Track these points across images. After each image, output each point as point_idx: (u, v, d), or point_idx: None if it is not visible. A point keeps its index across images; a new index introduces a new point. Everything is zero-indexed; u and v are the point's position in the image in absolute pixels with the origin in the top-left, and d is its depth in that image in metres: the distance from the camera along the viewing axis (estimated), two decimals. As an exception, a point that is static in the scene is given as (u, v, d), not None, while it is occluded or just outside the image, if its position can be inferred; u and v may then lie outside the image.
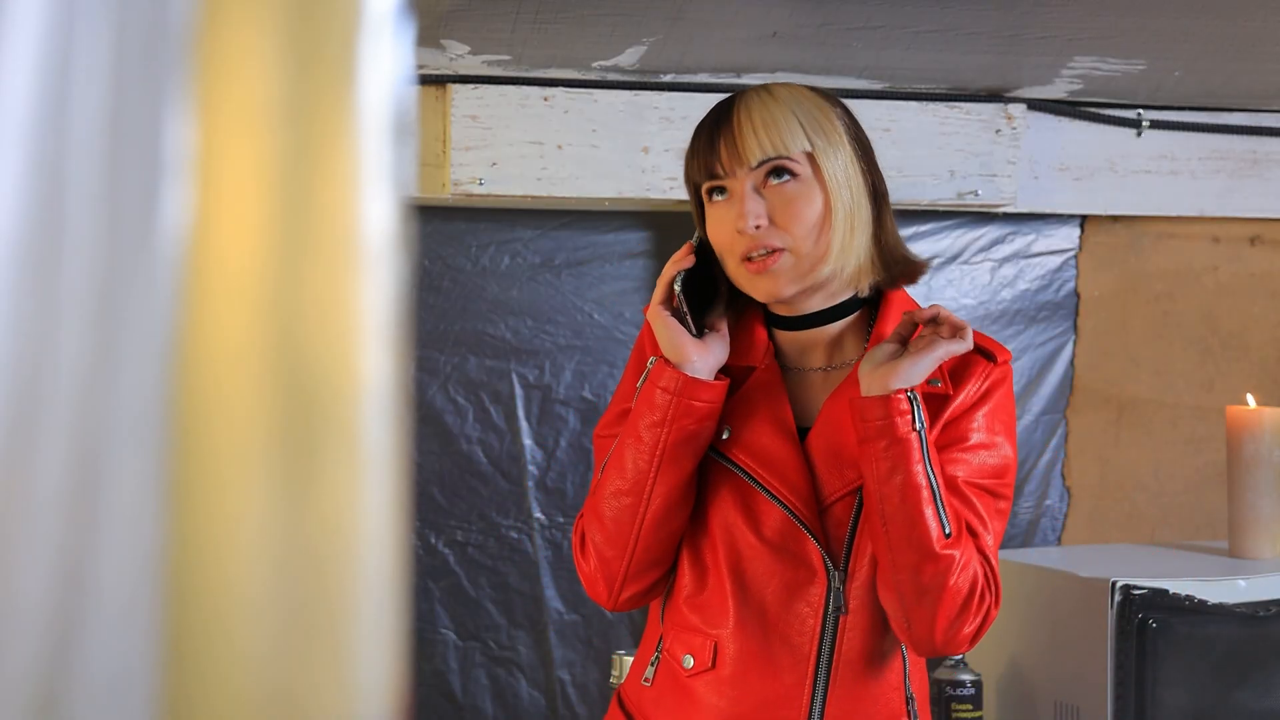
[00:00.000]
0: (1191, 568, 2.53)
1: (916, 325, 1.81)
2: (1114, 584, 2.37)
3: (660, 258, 2.90)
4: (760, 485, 1.81)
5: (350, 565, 0.61)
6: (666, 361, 1.80)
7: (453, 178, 2.65)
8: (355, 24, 0.62)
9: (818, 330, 1.88)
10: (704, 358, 1.80)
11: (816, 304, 1.86)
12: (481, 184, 2.66)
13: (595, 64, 2.67)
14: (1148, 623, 2.36)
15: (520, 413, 2.84)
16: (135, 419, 0.58)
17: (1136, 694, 2.36)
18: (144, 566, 0.58)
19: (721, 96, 2.71)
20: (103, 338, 0.57)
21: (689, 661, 1.84)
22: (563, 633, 2.85)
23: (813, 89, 1.88)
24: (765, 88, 1.85)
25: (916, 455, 1.74)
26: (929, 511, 1.74)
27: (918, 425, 1.74)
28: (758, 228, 1.77)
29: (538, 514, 2.85)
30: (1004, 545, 3.04)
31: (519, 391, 2.84)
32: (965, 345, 1.78)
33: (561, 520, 2.85)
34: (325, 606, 0.61)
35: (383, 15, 0.63)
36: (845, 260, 1.82)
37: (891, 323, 1.87)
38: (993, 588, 1.79)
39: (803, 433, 1.85)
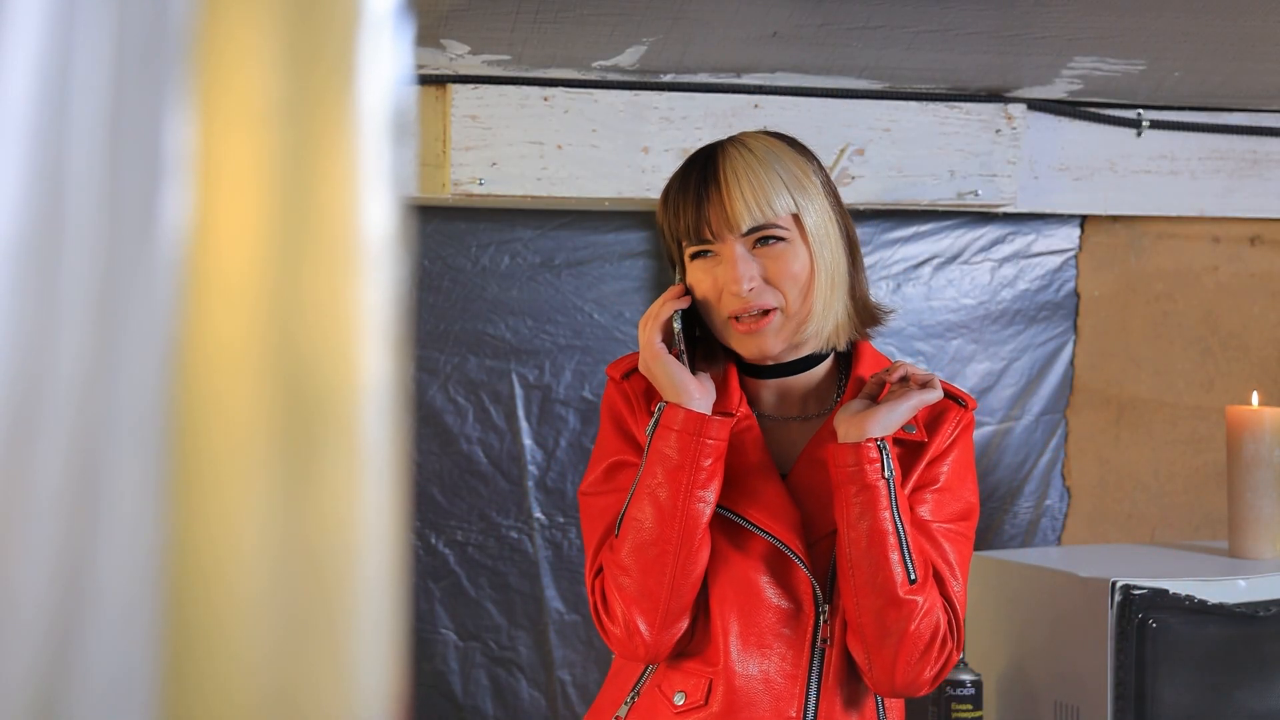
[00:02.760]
0: (1191, 568, 2.53)
1: (884, 384, 1.85)
2: (1114, 584, 2.37)
3: (660, 258, 2.90)
4: (750, 524, 1.84)
5: (349, 565, 0.61)
6: (681, 409, 1.80)
7: (453, 178, 2.65)
8: (355, 24, 0.62)
9: (791, 380, 1.92)
10: (706, 396, 1.83)
11: (788, 356, 1.90)
12: (481, 184, 2.66)
13: (595, 64, 2.67)
14: (1148, 623, 2.36)
15: (520, 413, 2.84)
16: (135, 419, 0.58)
17: (1136, 694, 2.36)
18: (143, 567, 0.58)
19: (721, 97, 2.73)
20: (103, 338, 0.57)
21: (680, 699, 1.85)
22: (563, 633, 2.85)
23: (785, 139, 1.90)
24: (744, 143, 1.85)
25: (884, 502, 1.78)
26: (894, 557, 1.77)
27: (886, 473, 1.78)
28: (751, 289, 1.80)
29: (538, 514, 2.85)
30: (1004, 545, 3.04)
31: (519, 391, 2.84)
32: (936, 394, 1.84)
33: (562, 520, 2.85)
34: (324, 607, 0.61)
35: (382, 15, 0.63)
36: (826, 320, 1.86)
37: (866, 367, 1.91)
38: (955, 634, 1.83)
39: (782, 478, 1.89)
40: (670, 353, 1.83)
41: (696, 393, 1.81)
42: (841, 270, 1.86)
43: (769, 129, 1.94)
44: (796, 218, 1.82)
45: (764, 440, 1.89)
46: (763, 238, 1.81)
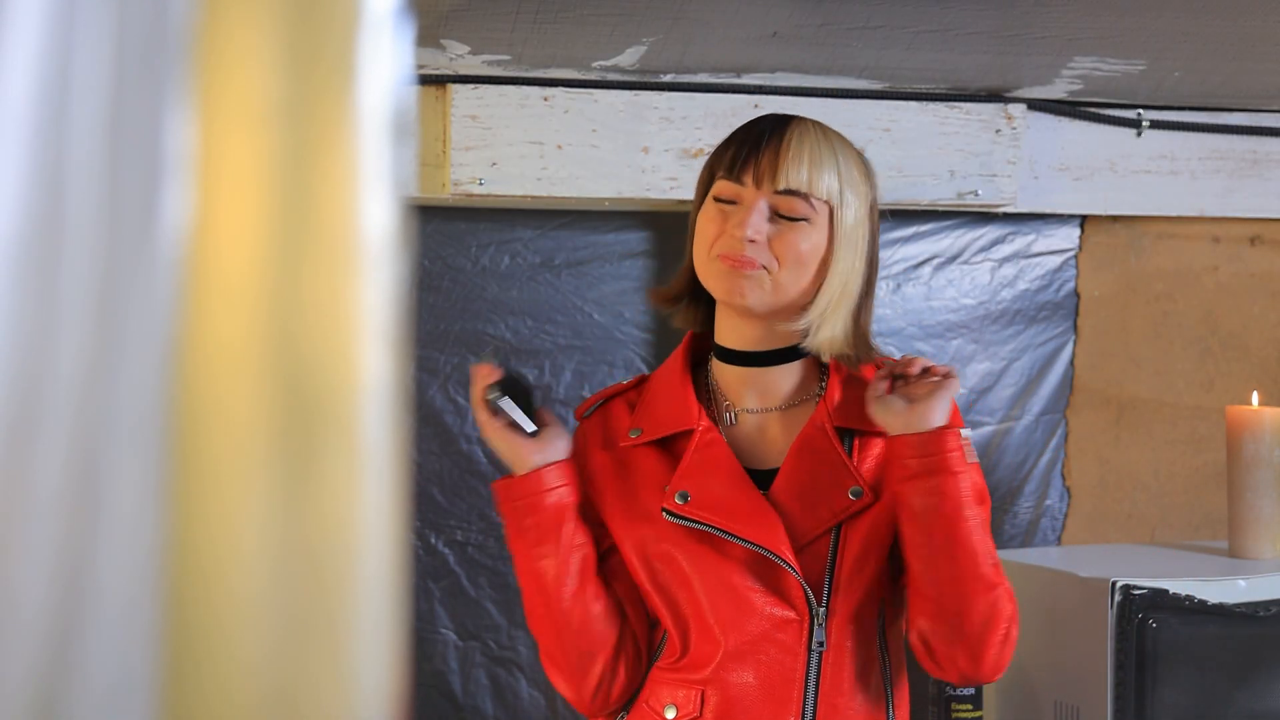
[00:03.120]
0: (1191, 568, 2.53)
1: (891, 376, 1.85)
2: (1114, 584, 2.37)
3: (660, 258, 2.90)
4: (734, 536, 1.83)
5: (349, 565, 0.61)
6: (501, 480, 1.87)
7: (453, 178, 2.65)
8: (355, 24, 0.62)
9: (772, 371, 1.90)
10: (545, 452, 1.86)
11: (769, 344, 1.88)
12: (481, 184, 2.66)
13: (595, 64, 2.67)
14: (1148, 623, 2.36)
15: (520, 413, 2.83)
16: (135, 419, 0.58)
17: (1136, 694, 2.36)
18: (143, 567, 0.58)
19: (721, 97, 2.73)
20: (103, 338, 0.57)
21: (671, 712, 1.85)
22: (563, 633, 2.85)
23: (857, 150, 1.90)
24: (822, 126, 1.87)
25: (972, 495, 1.79)
26: (977, 541, 1.79)
27: (970, 459, 1.80)
28: (753, 242, 1.80)
29: (538, 514, 2.84)
30: (1004, 545, 3.04)
31: (519, 391, 2.84)
32: (958, 385, 1.84)
33: (561, 520, 2.85)
34: (324, 607, 0.61)
35: (382, 15, 0.63)
36: (823, 321, 1.85)
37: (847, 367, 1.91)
38: (1015, 613, 1.84)
39: (770, 474, 1.88)
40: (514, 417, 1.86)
41: (534, 455, 1.85)
42: (855, 284, 1.86)
43: None
44: (832, 209, 1.82)
45: (731, 449, 1.87)
46: (787, 213, 1.81)
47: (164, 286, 0.59)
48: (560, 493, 1.85)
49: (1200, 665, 2.39)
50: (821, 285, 1.84)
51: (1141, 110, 3.01)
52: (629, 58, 2.65)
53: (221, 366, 0.60)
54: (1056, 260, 3.09)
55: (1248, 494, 2.62)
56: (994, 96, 2.88)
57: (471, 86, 2.66)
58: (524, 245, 2.85)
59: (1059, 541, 3.10)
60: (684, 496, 1.84)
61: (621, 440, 1.91)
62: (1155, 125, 3.02)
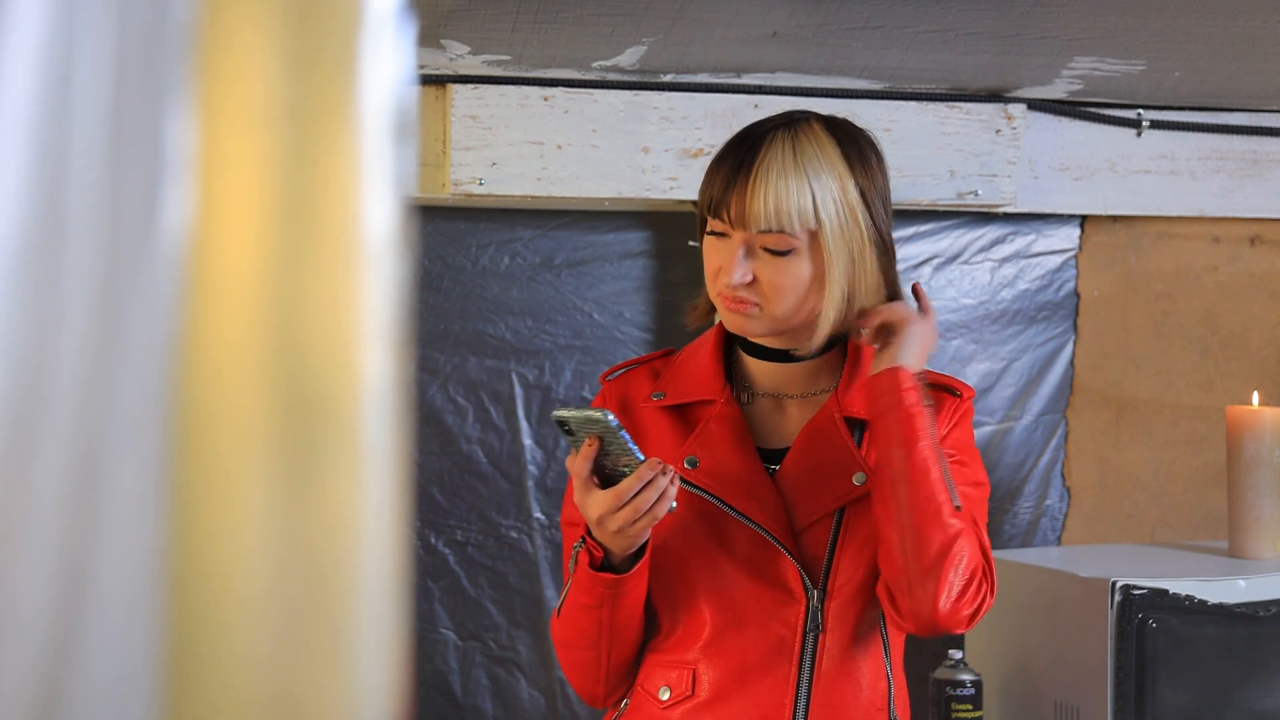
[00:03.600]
0: (1191, 568, 2.53)
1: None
2: (1114, 584, 2.37)
3: (660, 258, 2.90)
4: (733, 509, 1.84)
5: (350, 565, 0.61)
6: (595, 551, 1.79)
7: (453, 178, 2.65)
8: (355, 24, 0.62)
9: (785, 365, 1.92)
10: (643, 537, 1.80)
11: (781, 344, 1.91)
12: (481, 184, 2.66)
13: (595, 64, 2.67)
14: (1148, 623, 2.36)
15: (520, 413, 2.84)
16: (135, 419, 0.58)
17: (1136, 694, 2.36)
18: (144, 567, 0.58)
19: (721, 97, 2.73)
20: (103, 337, 0.57)
21: (665, 694, 1.86)
22: (563, 633, 2.85)
23: (840, 136, 1.86)
24: (795, 138, 1.83)
25: (926, 428, 1.79)
26: (936, 475, 1.78)
27: (926, 402, 1.81)
28: (738, 286, 1.83)
29: (538, 514, 2.85)
30: (1004, 545, 3.04)
31: (519, 391, 2.84)
32: (905, 316, 1.87)
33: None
34: (325, 607, 0.61)
35: (383, 15, 0.63)
36: (842, 328, 1.88)
37: (869, 352, 1.92)
38: (989, 578, 1.83)
39: (779, 454, 1.89)
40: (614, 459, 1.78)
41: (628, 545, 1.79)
42: (864, 280, 1.86)
43: (835, 116, 1.92)
44: (814, 234, 1.82)
45: (747, 424, 1.89)
46: (771, 247, 1.81)
47: (165, 286, 0.59)
48: (641, 581, 1.82)
49: (1200, 665, 2.39)
50: (823, 301, 1.85)
51: (1141, 110, 3.01)
52: (629, 58, 2.65)
53: (223, 366, 0.60)
54: (1056, 260, 3.09)
55: (1248, 494, 2.62)
56: (994, 96, 2.88)
57: (471, 86, 2.66)
58: (524, 245, 2.85)
59: (1059, 541, 3.10)
60: (693, 462, 1.86)
61: (640, 403, 1.92)
62: (1155, 125, 3.02)
